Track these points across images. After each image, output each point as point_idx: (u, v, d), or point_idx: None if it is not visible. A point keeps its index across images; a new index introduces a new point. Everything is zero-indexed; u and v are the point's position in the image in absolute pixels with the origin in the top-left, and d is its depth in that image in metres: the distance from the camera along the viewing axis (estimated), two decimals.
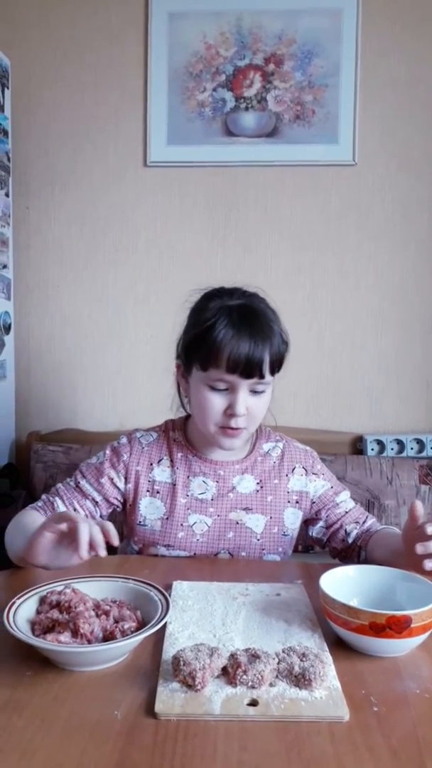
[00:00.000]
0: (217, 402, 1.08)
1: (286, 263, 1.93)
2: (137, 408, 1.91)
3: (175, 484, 1.16)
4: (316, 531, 1.23)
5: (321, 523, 1.21)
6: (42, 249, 1.94)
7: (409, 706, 0.68)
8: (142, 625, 0.79)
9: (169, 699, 0.66)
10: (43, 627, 0.77)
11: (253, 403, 1.08)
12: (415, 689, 0.71)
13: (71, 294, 1.94)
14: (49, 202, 1.94)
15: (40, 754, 0.60)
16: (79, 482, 1.16)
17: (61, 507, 1.12)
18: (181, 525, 1.15)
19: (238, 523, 1.16)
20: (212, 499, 1.16)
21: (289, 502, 1.19)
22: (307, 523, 1.23)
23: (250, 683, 0.67)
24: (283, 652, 0.72)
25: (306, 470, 1.21)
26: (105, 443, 1.38)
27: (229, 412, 1.07)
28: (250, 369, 1.04)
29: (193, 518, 1.15)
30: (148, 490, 1.16)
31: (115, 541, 0.87)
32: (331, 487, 1.22)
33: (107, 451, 1.19)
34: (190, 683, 0.66)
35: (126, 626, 0.77)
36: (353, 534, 1.18)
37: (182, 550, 1.15)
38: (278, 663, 0.70)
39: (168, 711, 0.64)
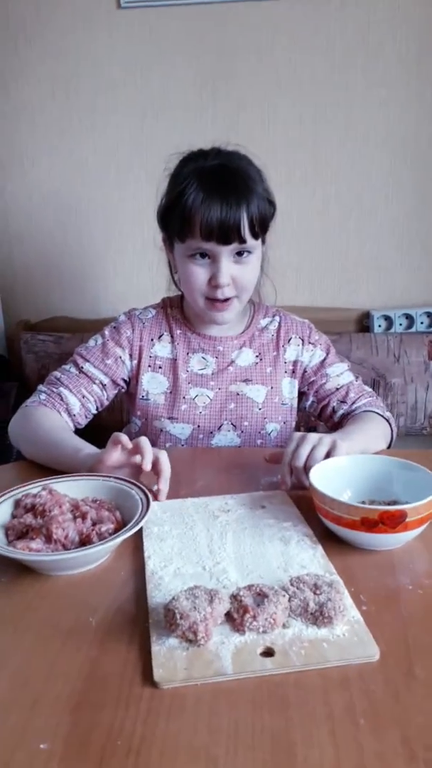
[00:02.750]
0: (200, 273, 1.04)
1: (286, 118, 1.71)
2: (130, 290, 1.79)
3: (175, 359, 1.16)
4: (308, 405, 1.22)
5: (312, 397, 1.20)
6: (11, 115, 1.73)
7: (399, 603, 0.64)
8: (121, 525, 0.75)
9: (169, 661, 0.55)
10: (17, 532, 0.73)
11: (238, 272, 1.04)
12: (407, 584, 0.67)
13: (49, 167, 1.76)
14: (13, 59, 1.70)
15: (9, 665, 0.57)
16: (82, 367, 1.12)
17: (69, 397, 1.09)
18: (184, 398, 1.14)
19: (238, 394, 1.16)
20: (212, 374, 1.16)
21: (285, 372, 1.19)
22: (300, 395, 1.21)
23: (261, 629, 0.58)
24: (292, 585, 0.63)
25: (302, 340, 1.20)
26: (98, 331, 1.31)
27: (213, 283, 1.04)
28: (226, 234, 0.99)
29: (195, 391, 1.15)
30: (149, 366, 1.16)
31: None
32: (326, 358, 1.19)
33: (106, 332, 1.16)
34: (191, 639, 0.56)
35: (104, 528, 0.73)
36: (339, 413, 1.16)
37: (186, 423, 1.15)
38: (289, 600, 0.61)
39: (170, 677, 0.53)
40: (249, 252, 1.03)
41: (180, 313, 1.18)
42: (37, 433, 1.02)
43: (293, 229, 1.71)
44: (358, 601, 0.64)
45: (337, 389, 1.15)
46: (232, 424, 1.16)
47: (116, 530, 0.73)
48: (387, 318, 1.73)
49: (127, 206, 1.77)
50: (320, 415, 1.20)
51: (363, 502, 0.82)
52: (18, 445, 1.06)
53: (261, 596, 0.61)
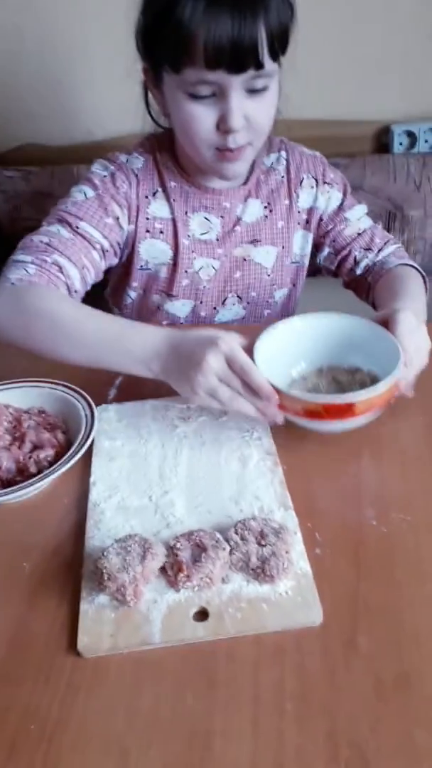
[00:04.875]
0: (204, 116, 0.79)
1: None
2: (106, 106, 1.51)
3: (174, 220, 0.94)
4: (324, 257, 1.05)
5: (327, 248, 1.03)
6: None
7: (358, 545, 0.58)
8: (63, 449, 0.68)
9: (96, 625, 0.51)
10: None
11: (252, 109, 0.79)
12: (371, 519, 0.61)
13: None
14: None
15: None
16: (77, 227, 0.86)
17: (69, 268, 0.83)
18: (186, 272, 0.97)
19: (245, 259, 0.99)
20: (218, 240, 0.97)
21: (299, 223, 1.00)
22: (317, 247, 1.05)
23: (196, 588, 0.54)
24: (236, 533, 0.57)
25: (317, 180, 0.99)
26: (71, 162, 1.12)
27: (223, 127, 0.79)
28: (240, 58, 0.73)
29: (199, 263, 0.97)
30: (147, 230, 0.94)
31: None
32: (344, 200, 1.01)
33: (96, 182, 0.90)
34: (120, 600, 0.52)
35: (42, 455, 0.67)
36: (362, 264, 1.01)
37: (187, 299, 1.01)
38: (231, 552, 0.55)
39: (95, 646, 0.50)
40: (266, 81, 0.77)
41: (172, 159, 0.93)
42: (54, 315, 0.75)
43: (298, 16, 1.37)
44: (311, 542, 0.58)
45: (359, 235, 1.00)
46: (237, 296, 1.02)
47: (57, 455, 0.67)
48: (410, 134, 1.45)
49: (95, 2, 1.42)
50: (339, 268, 1.04)
51: (320, 370, 0.75)
52: (7, 334, 0.77)
53: (200, 549, 0.56)
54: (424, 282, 0.95)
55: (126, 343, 0.70)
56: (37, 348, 0.76)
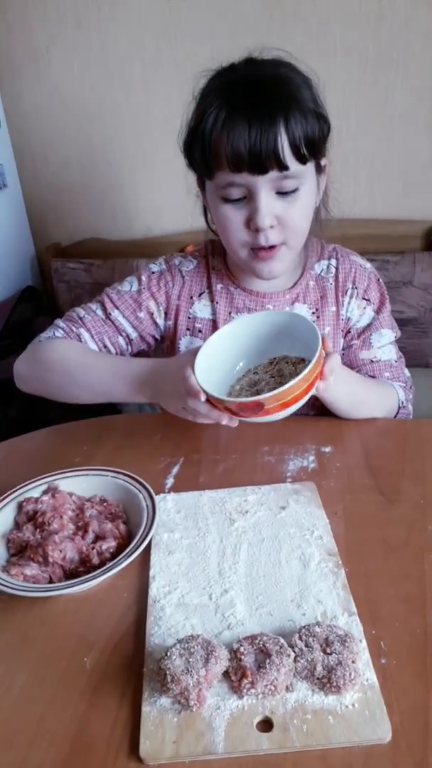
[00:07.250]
0: (235, 216, 0.85)
1: None
2: (163, 205, 1.63)
3: (215, 321, 0.99)
4: None
5: (341, 360, 1.02)
6: (19, 6, 1.50)
7: (426, 656, 0.57)
8: (125, 541, 0.70)
9: (157, 729, 0.51)
10: (17, 546, 0.70)
11: (283, 210, 0.84)
12: None
13: (66, 66, 1.55)
14: None
15: None
16: (110, 313, 0.97)
17: (89, 342, 0.95)
18: None
19: None
20: None
21: (342, 330, 1.01)
22: None
23: (260, 695, 0.53)
24: (301, 639, 0.56)
25: (357, 292, 0.99)
26: (130, 255, 1.19)
27: (252, 225, 0.84)
28: (259, 160, 0.79)
29: None
30: (188, 328, 1.00)
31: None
32: (374, 320, 1.00)
33: (143, 278, 1.00)
34: (183, 703, 0.52)
35: (104, 547, 0.68)
36: None
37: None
38: (295, 659, 0.55)
39: (156, 752, 0.49)
40: (296, 183, 0.82)
41: (223, 263, 0.99)
42: (64, 361, 0.90)
43: (350, 126, 1.47)
44: (376, 652, 0.57)
45: (372, 362, 0.99)
46: None
47: (119, 546, 0.68)
48: None
49: (155, 107, 1.56)
50: None
51: (272, 362, 0.80)
52: (29, 385, 0.95)
53: (264, 654, 0.55)
54: (396, 412, 0.97)
55: (123, 376, 0.85)
56: (54, 394, 0.92)
